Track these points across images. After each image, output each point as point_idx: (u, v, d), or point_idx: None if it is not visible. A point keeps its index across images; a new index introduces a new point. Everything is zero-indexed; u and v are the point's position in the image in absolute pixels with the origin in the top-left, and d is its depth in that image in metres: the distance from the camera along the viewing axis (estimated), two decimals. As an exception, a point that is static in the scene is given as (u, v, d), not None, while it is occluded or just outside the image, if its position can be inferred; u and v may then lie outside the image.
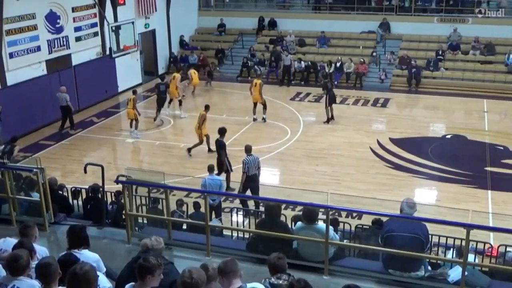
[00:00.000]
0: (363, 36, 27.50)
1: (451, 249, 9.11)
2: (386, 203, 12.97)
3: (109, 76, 23.30)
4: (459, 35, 25.84)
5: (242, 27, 29.01)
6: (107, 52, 23.15)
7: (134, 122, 18.38)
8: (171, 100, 20.94)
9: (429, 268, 7.31)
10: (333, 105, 19.66)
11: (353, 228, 10.60)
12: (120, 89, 23.96)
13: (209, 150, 16.59)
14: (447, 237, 9.92)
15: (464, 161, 16.71)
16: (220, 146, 14.77)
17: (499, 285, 6.90)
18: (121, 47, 23.95)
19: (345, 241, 9.40)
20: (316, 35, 27.55)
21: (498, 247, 10.49)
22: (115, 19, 23.56)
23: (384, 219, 9.28)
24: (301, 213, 7.83)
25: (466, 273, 6.62)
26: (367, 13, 27.84)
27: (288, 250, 7.28)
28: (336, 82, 24.53)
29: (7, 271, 5.03)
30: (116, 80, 23.75)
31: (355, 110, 21.61)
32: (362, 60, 25.33)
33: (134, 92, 19.48)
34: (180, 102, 20.90)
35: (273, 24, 28.81)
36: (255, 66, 26.38)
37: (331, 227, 7.58)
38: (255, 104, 19.87)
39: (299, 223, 7.73)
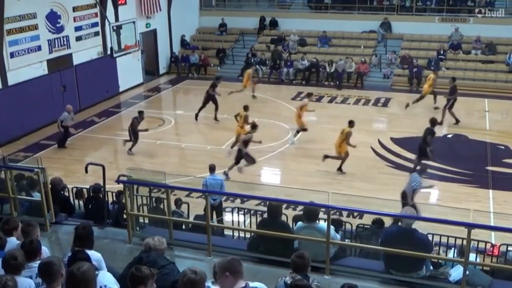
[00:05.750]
0: (364, 36, 27.49)
1: (452, 248, 9.10)
2: (387, 202, 13.02)
3: (110, 75, 23.30)
4: (460, 35, 25.84)
5: (243, 26, 29.03)
6: (108, 52, 23.17)
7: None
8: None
9: (431, 267, 7.30)
10: (334, 104, 19.69)
11: (354, 228, 10.58)
12: (121, 89, 23.99)
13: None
14: (448, 237, 9.89)
15: (465, 160, 16.70)
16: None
17: (500, 284, 6.90)
18: (122, 46, 23.97)
19: (346, 240, 9.39)
20: (317, 35, 27.56)
21: (499, 246, 10.48)
22: (116, 19, 23.57)
23: (385, 218, 9.32)
24: (302, 212, 7.84)
25: (467, 272, 6.62)
26: (368, 12, 27.86)
27: (289, 249, 7.28)
28: (338, 82, 24.59)
29: (4, 269, 5.04)
30: (117, 79, 23.77)
31: (356, 109, 21.59)
32: (363, 59, 25.32)
33: None
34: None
35: (274, 24, 28.82)
36: (257, 66, 26.39)
37: (332, 227, 7.59)
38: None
39: (300, 223, 7.73)
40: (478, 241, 9.70)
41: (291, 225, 8.59)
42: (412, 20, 26.82)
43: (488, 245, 10.47)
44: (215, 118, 19.85)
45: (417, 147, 15.52)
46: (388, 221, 9.44)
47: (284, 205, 9.37)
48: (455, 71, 24.58)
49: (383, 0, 28.01)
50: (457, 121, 19.57)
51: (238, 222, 11.47)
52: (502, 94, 22.95)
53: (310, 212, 7.57)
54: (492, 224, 12.55)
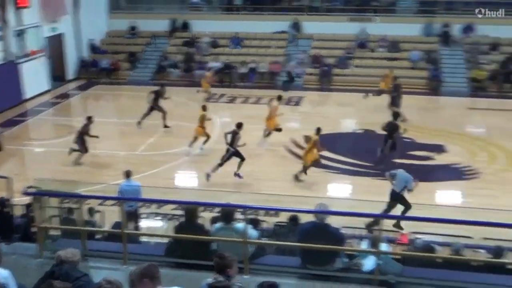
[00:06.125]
0: (275, 36, 27.94)
1: (365, 239, 9.41)
2: (303, 199, 13.29)
3: (14, 82, 22.23)
4: (367, 34, 26.85)
5: (154, 29, 28.58)
6: (11, 58, 22.10)
7: None
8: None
9: (345, 259, 7.51)
10: (248, 105, 19.82)
11: (271, 226, 10.71)
12: (26, 96, 22.93)
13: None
14: (360, 229, 10.24)
15: (374, 154, 17.33)
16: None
17: (410, 271, 7.20)
18: (26, 52, 22.95)
19: (264, 239, 9.48)
20: (230, 36, 27.69)
21: (409, 234, 10.98)
22: (19, 23, 22.53)
23: (301, 215, 9.50)
24: (219, 214, 7.85)
25: (380, 261, 6.87)
26: (279, 13, 28.31)
27: (208, 251, 7.27)
28: (251, 83, 24.82)
29: None
30: (21, 86, 22.69)
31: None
32: (275, 60, 25.74)
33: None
34: None
35: (186, 26, 28.66)
36: (169, 69, 26.13)
37: (250, 226, 7.64)
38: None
39: (217, 224, 7.74)
40: (389, 231, 10.13)
41: (209, 227, 8.56)
42: (321, 20, 27.57)
43: (398, 234, 10.95)
44: (165, 126, 19.27)
45: (383, 140, 16.11)
46: (304, 218, 9.62)
47: (202, 208, 9.34)
48: (362, 69, 25.56)
49: (293, 1, 28.59)
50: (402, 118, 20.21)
51: (155, 227, 11.32)
52: (406, 89, 24.00)
53: (227, 213, 7.59)
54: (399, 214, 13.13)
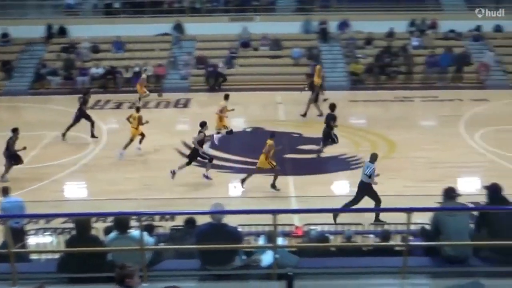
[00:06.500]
0: (159, 39, 27.60)
1: (262, 235, 9.57)
2: (198, 201, 13.30)
3: None
4: (249, 33, 27.31)
5: (29, 36, 27.02)
6: None
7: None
8: None
9: (244, 257, 7.59)
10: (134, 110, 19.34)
11: (168, 230, 10.58)
12: None
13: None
14: (257, 225, 10.41)
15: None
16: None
17: (307, 262, 7.41)
18: None
19: (161, 244, 9.34)
20: (111, 40, 26.96)
21: (303, 226, 11.33)
22: None
23: (198, 217, 9.46)
24: (113, 223, 7.62)
25: (277, 256, 7.01)
26: (160, 15, 27.98)
27: (104, 263, 7.03)
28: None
29: None
30: None
31: (158, 113, 21.60)
32: (159, 63, 25.44)
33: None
34: None
35: (63, 31, 27.49)
36: (49, 77, 24.96)
37: (146, 233, 7.49)
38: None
39: (111, 234, 7.50)
40: (284, 224, 10.38)
41: (103, 238, 8.28)
42: (203, 21, 27.63)
43: (293, 228, 11.26)
44: (93, 135, 18.39)
45: (322, 133, 16.62)
46: (201, 220, 9.60)
47: (94, 219, 9.02)
48: (247, 68, 25.96)
49: (174, 3, 28.41)
50: (304, 115, 20.72)
51: (45, 243, 10.77)
52: (290, 86, 24.73)
53: (121, 222, 7.38)
54: (294, 207, 13.54)
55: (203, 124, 15.36)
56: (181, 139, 18.22)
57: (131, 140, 17.01)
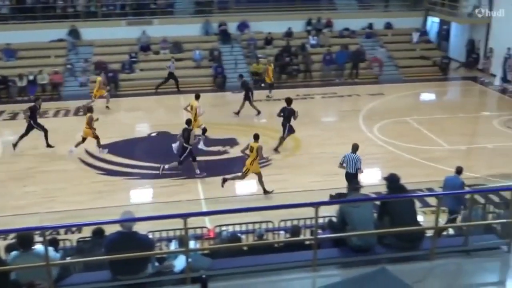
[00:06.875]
0: (53, 45, 26.54)
1: (173, 240, 9.48)
2: (105, 210, 12.95)
3: None
4: (148, 37, 26.92)
5: None
6: None
7: None
8: None
9: (156, 264, 7.48)
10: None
11: (74, 243, 10.22)
12: None
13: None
14: (167, 230, 10.31)
15: (171, 155, 17.50)
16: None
17: (219, 263, 7.43)
18: None
19: (68, 258, 9.00)
20: (1, 48, 25.55)
21: (214, 228, 11.35)
22: None
23: (105, 227, 9.20)
24: (15, 240, 7.24)
25: (189, 259, 6.97)
26: (53, 21, 26.90)
27: (6, 283, 6.67)
28: (31, 96, 23.17)
29: None
30: None
31: (58, 122, 20.73)
32: (55, 70, 24.46)
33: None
34: None
35: None
36: None
37: (50, 248, 7.18)
38: None
39: (14, 252, 7.13)
40: (195, 228, 10.34)
41: (5, 257, 7.85)
42: (100, 25, 26.91)
43: (205, 230, 11.26)
44: (48, 145, 17.58)
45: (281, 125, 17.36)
46: (109, 229, 9.36)
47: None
48: (148, 72, 25.60)
49: (68, 7, 27.41)
50: (259, 112, 20.98)
51: None
52: (193, 88, 24.67)
53: (23, 238, 7.03)
54: (204, 209, 13.54)
55: (188, 122, 15.69)
56: (84, 147, 17.63)
57: (83, 139, 17.20)
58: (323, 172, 15.69)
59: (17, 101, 23.27)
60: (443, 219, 11.62)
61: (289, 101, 17.75)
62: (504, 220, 8.06)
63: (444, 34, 30.65)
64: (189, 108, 18.17)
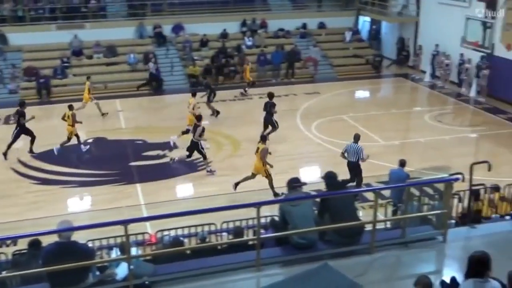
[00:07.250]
0: (-22, 52, 25.47)
1: (114, 248, 9.30)
2: (41, 221, 12.53)
3: None
4: (80, 41, 26.26)
5: None
6: None
7: None
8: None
9: (97, 273, 7.32)
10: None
11: (10, 257, 9.85)
12: None
13: None
14: (108, 238, 10.10)
15: (110, 161, 17.20)
16: None
17: (163, 268, 7.34)
18: None
19: (4, 272, 8.66)
20: None
21: (156, 233, 11.21)
22: None
23: (43, 238, 8.90)
24: None
25: (131, 266, 6.85)
26: (-23, 26, 25.83)
27: None
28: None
29: None
30: None
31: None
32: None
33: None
34: None
35: None
36: None
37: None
38: None
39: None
40: (137, 234, 10.17)
41: None
42: (28, 30, 25.99)
43: (146, 236, 11.10)
44: (31, 151, 17.11)
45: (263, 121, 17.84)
46: (46, 240, 9.07)
47: None
48: (82, 77, 24.91)
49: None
50: (217, 113, 20.87)
51: None
52: (129, 92, 24.31)
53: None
54: (145, 215, 13.36)
55: (199, 118, 16.03)
56: (16, 157, 17.02)
57: (69, 139, 17.35)
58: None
59: None
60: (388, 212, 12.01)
61: (270, 95, 18.28)
62: (439, 211, 8.35)
63: (374, 33, 31.51)
64: (191, 108, 18.30)
